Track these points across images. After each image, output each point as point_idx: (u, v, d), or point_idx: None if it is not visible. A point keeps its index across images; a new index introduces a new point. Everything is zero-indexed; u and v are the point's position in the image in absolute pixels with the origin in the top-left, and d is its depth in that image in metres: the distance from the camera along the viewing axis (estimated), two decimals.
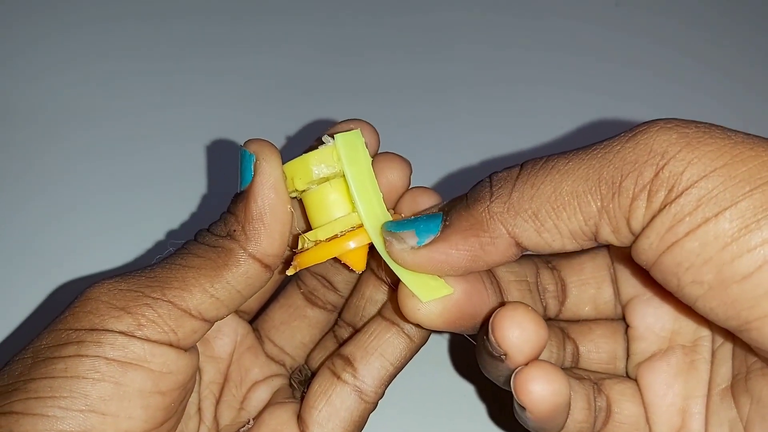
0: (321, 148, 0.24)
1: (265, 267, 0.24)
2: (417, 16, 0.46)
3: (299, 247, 0.25)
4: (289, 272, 0.25)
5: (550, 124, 0.42)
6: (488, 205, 0.21)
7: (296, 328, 0.29)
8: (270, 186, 0.23)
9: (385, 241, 0.23)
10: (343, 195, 0.24)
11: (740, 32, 0.47)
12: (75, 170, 0.38)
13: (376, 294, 0.28)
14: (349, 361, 0.26)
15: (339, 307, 0.30)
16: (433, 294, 0.24)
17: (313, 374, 0.28)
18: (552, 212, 0.21)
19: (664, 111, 0.40)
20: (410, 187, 0.26)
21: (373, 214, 0.24)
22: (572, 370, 0.27)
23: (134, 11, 0.45)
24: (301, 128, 0.40)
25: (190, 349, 0.24)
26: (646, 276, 0.22)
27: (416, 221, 0.23)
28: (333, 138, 0.24)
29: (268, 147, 0.24)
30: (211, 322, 0.24)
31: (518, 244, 0.22)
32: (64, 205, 0.37)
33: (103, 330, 0.22)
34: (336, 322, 0.30)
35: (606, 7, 0.47)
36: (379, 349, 0.26)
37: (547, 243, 0.21)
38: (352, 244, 0.24)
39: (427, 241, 0.22)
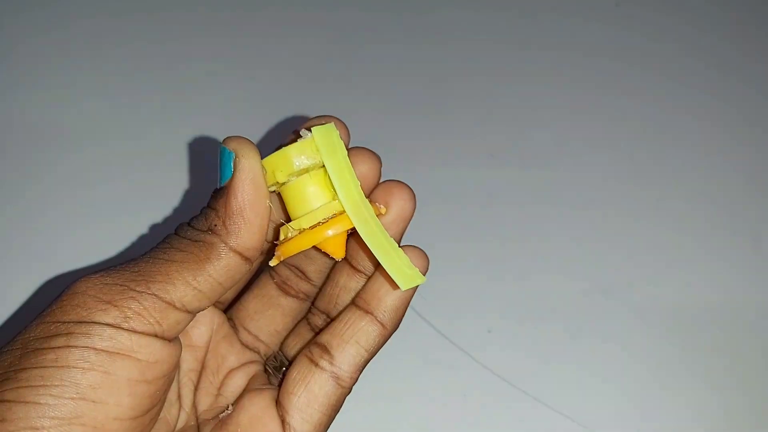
0: (300, 140, 0.25)
1: (245, 260, 0.24)
2: (414, 15, 0.46)
3: (281, 237, 0.25)
4: (273, 263, 0.26)
5: (549, 122, 0.42)
6: None
7: (270, 316, 0.30)
8: (249, 182, 0.24)
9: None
10: (322, 185, 0.25)
11: (741, 31, 0.47)
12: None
13: (349, 282, 0.28)
14: (325, 349, 0.27)
15: (312, 296, 0.30)
16: (410, 282, 0.25)
17: (290, 361, 0.29)
18: None
19: (663, 110, 0.43)
20: (383, 180, 0.27)
21: (353, 200, 0.24)
22: None
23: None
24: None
25: (174, 339, 0.24)
26: None
27: None
28: (310, 131, 0.25)
29: (246, 144, 0.24)
30: (193, 314, 0.24)
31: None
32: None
33: (91, 322, 0.22)
34: (309, 310, 0.30)
35: (606, 7, 0.47)
36: (354, 337, 0.27)
37: None
38: (334, 231, 0.24)
39: None
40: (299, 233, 0.25)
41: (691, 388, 0.37)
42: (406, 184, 0.27)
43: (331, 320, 0.29)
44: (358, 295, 0.28)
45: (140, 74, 0.42)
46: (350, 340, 0.27)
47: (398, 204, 0.26)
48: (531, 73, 0.45)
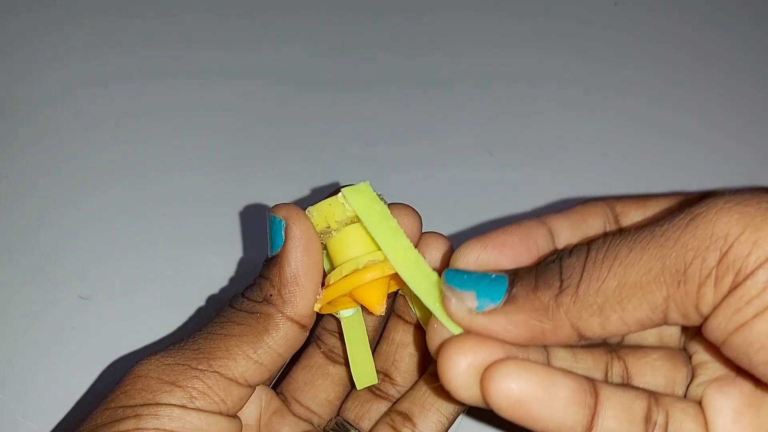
0: (329, 199, 0.25)
1: (302, 327, 0.25)
2: (415, 16, 0.47)
3: (326, 284, 0.25)
4: (316, 308, 0.25)
5: (550, 122, 0.43)
6: (556, 295, 0.21)
7: (320, 386, 0.29)
8: (302, 249, 0.24)
9: (443, 295, 0.23)
10: (363, 238, 0.25)
11: (741, 31, 0.47)
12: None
13: (405, 338, 0.29)
14: (407, 417, 0.28)
15: None
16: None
17: (351, 425, 0.29)
18: (617, 306, 0.20)
19: (663, 111, 0.43)
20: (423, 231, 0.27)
21: (396, 245, 0.24)
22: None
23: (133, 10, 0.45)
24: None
25: (236, 415, 0.24)
26: (718, 351, 0.21)
27: (479, 281, 0.22)
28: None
29: (295, 211, 0.25)
30: (254, 387, 0.25)
31: (580, 335, 0.21)
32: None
33: (158, 404, 0.23)
34: None
35: (605, 7, 0.48)
36: (435, 404, 0.27)
37: (610, 333, 0.21)
38: (372, 275, 0.24)
39: (486, 309, 0.22)
40: (337, 281, 0.25)
41: None
42: (445, 238, 0.27)
43: (387, 377, 0.29)
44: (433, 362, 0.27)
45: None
46: (431, 407, 0.28)
47: (431, 254, 0.26)
48: (529, 73, 0.45)
